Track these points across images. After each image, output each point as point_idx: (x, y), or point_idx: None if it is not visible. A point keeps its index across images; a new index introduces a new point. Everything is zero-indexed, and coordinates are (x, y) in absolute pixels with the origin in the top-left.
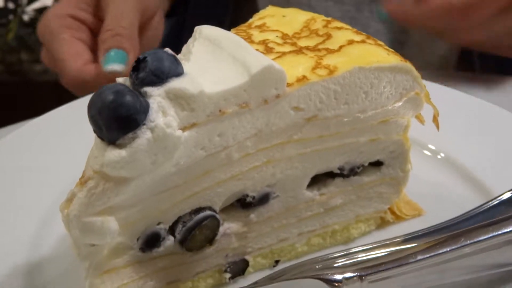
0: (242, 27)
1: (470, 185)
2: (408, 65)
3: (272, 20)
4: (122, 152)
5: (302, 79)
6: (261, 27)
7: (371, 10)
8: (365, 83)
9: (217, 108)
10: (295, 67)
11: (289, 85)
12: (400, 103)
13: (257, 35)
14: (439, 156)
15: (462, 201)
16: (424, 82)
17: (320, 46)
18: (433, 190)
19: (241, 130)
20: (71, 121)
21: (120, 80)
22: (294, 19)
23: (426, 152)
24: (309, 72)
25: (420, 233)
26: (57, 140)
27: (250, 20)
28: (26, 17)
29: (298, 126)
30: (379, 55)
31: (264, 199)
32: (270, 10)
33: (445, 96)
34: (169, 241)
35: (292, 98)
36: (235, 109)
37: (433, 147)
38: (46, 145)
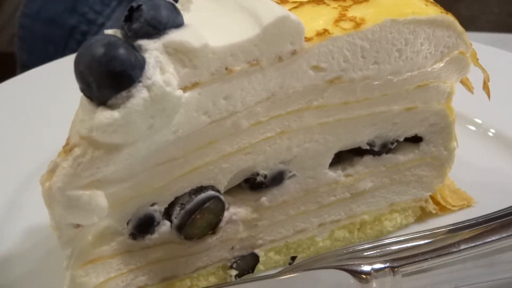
0: None
1: None
2: (450, 18)
3: None
4: (115, 114)
5: (323, 33)
6: None
7: None
8: (398, 39)
9: (223, 65)
10: (314, 19)
11: (307, 40)
12: (441, 64)
13: None
14: (489, 133)
15: None
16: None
17: None
18: (485, 176)
19: (251, 93)
20: (48, 83)
21: (109, 31)
22: None
23: (471, 127)
24: (332, 25)
25: (467, 223)
26: (28, 106)
27: None
28: None
29: (319, 89)
30: (415, 5)
31: (277, 179)
32: None
33: (496, 59)
34: (165, 226)
35: (311, 56)
36: (244, 67)
37: (481, 123)
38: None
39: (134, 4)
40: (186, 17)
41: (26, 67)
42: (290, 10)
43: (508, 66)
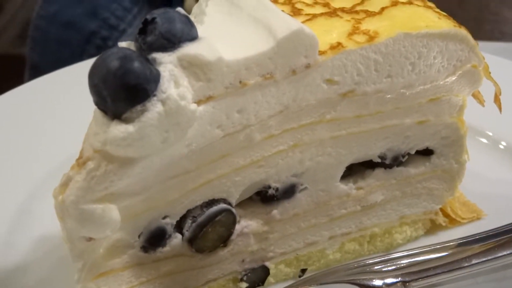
0: None
1: None
2: (463, 31)
3: None
4: (129, 127)
5: (337, 46)
6: None
7: None
8: (411, 52)
9: (237, 78)
10: (328, 32)
11: (321, 53)
12: (453, 78)
13: None
14: (501, 146)
15: None
16: (483, 54)
17: (358, 8)
18: (495, 188)
19: (264, 106)
20: (63, 87)
21: (123, 44)
22: None
23: (483, 140)
24: (345, 39)
25: (477, 237)
26: (41, 112)
27: None
28: None
29: (332, 103)
30: (428, 19)
31: (289, 191)
32: None
33: (506, 73)
34: (176, 239)
35: (325, 69)
36: (258, 81)
37: (492, 135)
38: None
39: (149, 17)
40: (200, 30)
41: (36, 68)
42: (303, 22)
43: None
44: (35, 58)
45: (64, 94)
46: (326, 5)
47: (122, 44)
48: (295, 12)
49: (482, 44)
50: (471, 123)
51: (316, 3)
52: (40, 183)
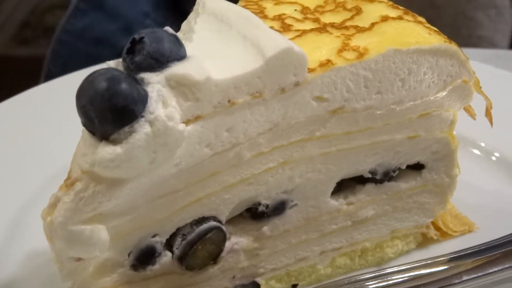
0: None
1: None
2: (453, 46)
3: None
4: (117, 149)
5: (326, 63)
6: None
7: None
8: (401, 68)
9: (226, 98)
10: (317, 49)
11: (310, 70)
12: (444, 93)
13: (272, 9)
14: (493, 157)
15: None
16: (473, 63)
17: (348, 23)
18: (487, 200)
19: (253, 125)
20: (42, 108)
21: (111, 63)
22: None
23: (476, 152)
24: (335, 55)
25: (469, 251)
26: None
27: None
28: None
29: (321, 120)
30: (418, 34)
31: (279, 208)
32: None
33: (499, 83)
34: (166, 257)
35: (314, 87)
36: (246, 99)
37: (485, 146)
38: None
39: (137, 36)
40: (189, 48)
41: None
42: (293, 38)
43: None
44: (54, 70)
45: (64, 102)
46: (316, 20)
47: (110, 63)
48: (285, 28)
49: (472, 52)
50: (463, 134)
51: (306, 18)
52: (32, 197)
